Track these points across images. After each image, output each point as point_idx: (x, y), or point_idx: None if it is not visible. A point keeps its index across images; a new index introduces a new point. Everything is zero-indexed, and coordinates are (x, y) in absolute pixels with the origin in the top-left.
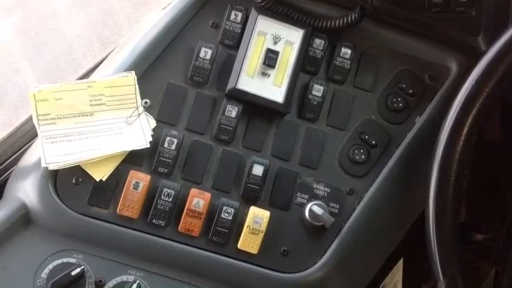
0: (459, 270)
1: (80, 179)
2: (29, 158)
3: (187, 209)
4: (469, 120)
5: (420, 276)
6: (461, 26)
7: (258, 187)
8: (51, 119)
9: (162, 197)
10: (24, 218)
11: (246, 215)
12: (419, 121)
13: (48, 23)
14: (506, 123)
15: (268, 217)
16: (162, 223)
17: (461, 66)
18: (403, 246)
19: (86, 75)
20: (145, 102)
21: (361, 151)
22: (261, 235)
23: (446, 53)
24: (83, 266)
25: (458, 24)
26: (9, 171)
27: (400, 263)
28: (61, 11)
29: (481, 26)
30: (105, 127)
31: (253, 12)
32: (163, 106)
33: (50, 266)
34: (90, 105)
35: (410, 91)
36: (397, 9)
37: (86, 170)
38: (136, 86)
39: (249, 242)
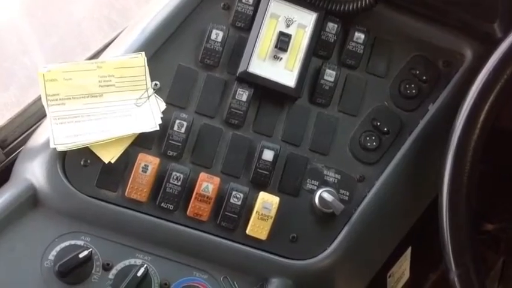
0: (472, 260)
1: (89, 161)
2: (38, 138)
3: (196, 193)
4: (486, 107)
5: (428, 265)
6: (477, 12)
7: (267, 172)
8: (60, 99)
9: (171, 181)
10: (32, 199)
11: (255, 200)
12: (433, 108)
13: (55, 3)
14: None
15: (277, 203)
16: (171, 207)
17: (475, 53)
18: (412, 234)
19: (96, 55)
20: (155, 84)
21: (373, 138)
22: (270, 221)
23: (461, 39)
24: (90, 249)
25: (474, 10)
26: (17, 151)
27: (408, 251)
28: None
29: (498, 12)
30: (115, 109)
31: None
32: (173, 88)
33: (58, 248)
34: (100, 86)
35: (424, 77)
36: None
37: (95, 151)
38: (146, 67)
39: (257, 227)
